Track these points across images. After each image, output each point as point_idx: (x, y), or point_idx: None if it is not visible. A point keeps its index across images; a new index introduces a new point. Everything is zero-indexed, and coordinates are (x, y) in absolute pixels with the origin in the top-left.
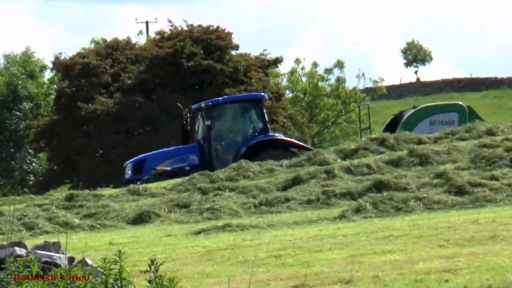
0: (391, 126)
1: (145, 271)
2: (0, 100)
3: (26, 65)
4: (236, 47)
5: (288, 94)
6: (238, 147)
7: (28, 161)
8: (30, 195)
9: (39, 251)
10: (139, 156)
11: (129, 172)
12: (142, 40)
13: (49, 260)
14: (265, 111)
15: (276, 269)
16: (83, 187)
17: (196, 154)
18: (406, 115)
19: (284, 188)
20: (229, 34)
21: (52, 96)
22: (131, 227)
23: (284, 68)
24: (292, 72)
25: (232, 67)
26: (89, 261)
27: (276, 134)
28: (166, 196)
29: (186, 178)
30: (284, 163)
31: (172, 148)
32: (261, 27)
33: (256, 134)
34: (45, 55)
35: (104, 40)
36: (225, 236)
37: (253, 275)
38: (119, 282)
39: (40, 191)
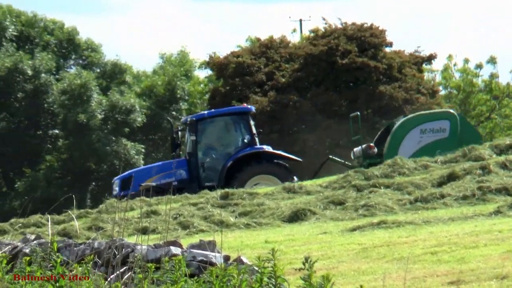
0: (383, 136)
1: (300, 269)
2: (158, 100)
3: (182, 64)
4: (390, 44)
5: (442, 91)
6: (225, 161)
7: None
8: (186, 194)
9: (194, 250)
10: (126, 172)
11: (116, 188)
12: (296, 38)
13: (205, 259)
14: (252, 123)
15: (432, 265)
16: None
17: (184, 169)
18: (396, 124)
19: (439, 185)
20: (383, 31)
21: (208, 95)
22: (286, 225)
23: (437, 65)
24: (446, 68)
25: (386, 64)
26: (244, 260)
27: (264, 147)
28: (321, 194)
29: (341, 175)
30: (438, 160)
31: (160, 163)
32: (413, 24)
33: (244, 147)
34: (200, 55)
35: (258, 39)
36: (381, 233)
37: (408, 272)
38: (273, 280)
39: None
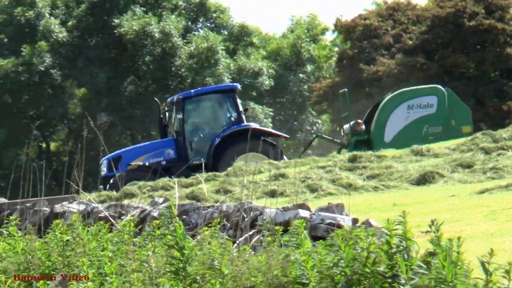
0: (372, 113)
1: (426, 232)
2: (284, 63)
3: (310, 28)
4: None
5: None
6: (213, 139)
7: (310, 122)
8: (314, 157)
9: (322, 213)
10: (114, 153)
11: (104, 169)
12: (423, 1)
13: (333, 222)
14: (238, 101)
15: None
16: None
17: (172, 148)
18: (383, 100)
19: None
20: None
21: (334, 59)
22: (414, 187)
23: None
24: None
25: None
26: (373, 222)
27: (251, 124)
28: (449, 156)
29: (469, 138)
30: None
31: (148, 143)
32: None
33: (231, 124)
34: (328, 19)
35: (385, 2)
36: (509, 195)
37: None
38: (404, 242)
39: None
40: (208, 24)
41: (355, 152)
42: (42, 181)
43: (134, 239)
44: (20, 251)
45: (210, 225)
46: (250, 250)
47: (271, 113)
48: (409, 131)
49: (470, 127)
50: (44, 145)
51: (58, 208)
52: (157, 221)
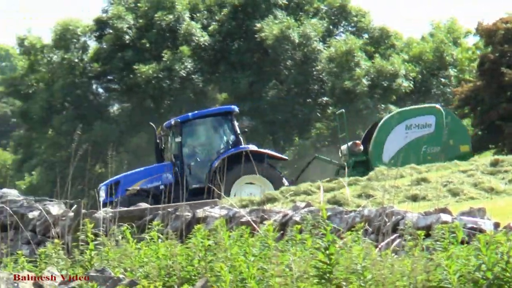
0: (370, 133)
1: None
2: (427, 67)
3: (451, 31)
4: None
5: None
6: (211, 162)
7: None
8: (455, 161)
9: (464, 217)
10: (113, 178)
11: (103, 195)
12: None
13: (475, 226)
14: (236, 123)
15: None
16: (508, 152)
17: (170, 172)
18: (381, 121)
19: None
20: None
21: (476, 62)
22: None
23: None
24: None
25: None
26: None
27: (250, 146)
28: None
29: None
30: None
31: (146, 168)
32: None
33: (229, 147)
34: (468, 23)
35: None
36: None
37: None
38: None
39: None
40: (350, 28)
41: (496, 157)
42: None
43: (276, 244)
44: (162, 256)
45: (352, 229)
46: (392, 254)
47: None
48: (407, 151)
49: (469, 147)
50: None
51: (200, 213)
52: (299, 226)
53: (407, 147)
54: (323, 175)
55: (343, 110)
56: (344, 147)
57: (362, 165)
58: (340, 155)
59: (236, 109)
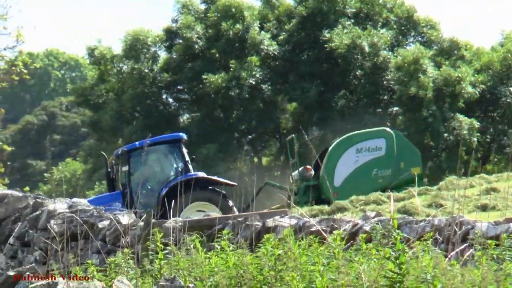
0: (321, 158)
1: None
2: (495, 76)
3: None
4: None
5: None
6: (160, 190)
7: None
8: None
9: None
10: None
11: None
12: None
13: None
14: (184, 150)
15: None
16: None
17: (119, 201)
18: (332, 145)
19: None
20: None
21: None
22: None
23: None
24: None
25: None
26: None
27: (198, 173)
28: None
29: None
30: None
31: (97, 197)
32: None
33: (178, 175)
34: None
35: None
36: None
37: None
38: None
39: None
40: (419, 39)
41: None
42: (253, 196)
43: (345, 253)
44: (232, 265)
45: (422, 239)
46: (462, 264)
47: (477, 126)
48: (358, 175)
49: (420, 169)
50: (255, 159)
51: (270, 222)
52: (368, 235)
53: (358, 170)
54: (274, 200)
55: (293, 135)
56: (295, 173)
57: (314, 189)
58: (291, 181)
59: (185, 136)
